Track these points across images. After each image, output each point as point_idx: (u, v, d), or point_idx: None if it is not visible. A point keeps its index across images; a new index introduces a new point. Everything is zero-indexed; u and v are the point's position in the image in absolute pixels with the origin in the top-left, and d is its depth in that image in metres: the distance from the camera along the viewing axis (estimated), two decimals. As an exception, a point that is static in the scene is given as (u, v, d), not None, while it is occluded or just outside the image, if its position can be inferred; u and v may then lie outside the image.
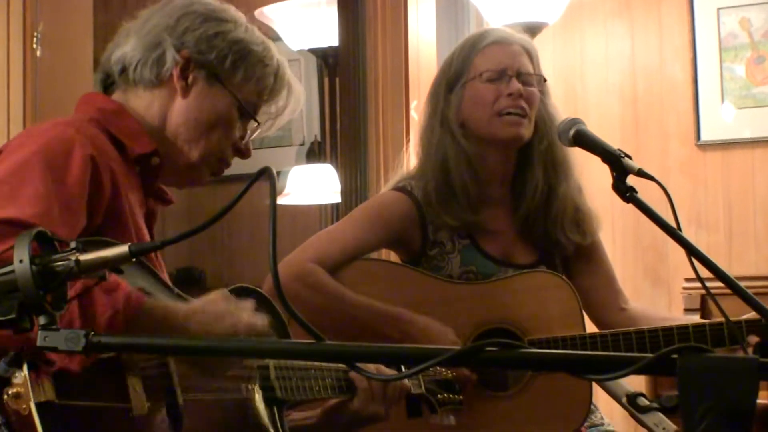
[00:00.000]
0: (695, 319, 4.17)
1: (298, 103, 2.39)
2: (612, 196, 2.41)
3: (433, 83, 3.06)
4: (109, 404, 1.83)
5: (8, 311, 1.39)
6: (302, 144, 6.10)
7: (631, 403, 2.21)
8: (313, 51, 5.51)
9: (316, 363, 2.27)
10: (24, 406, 1.71)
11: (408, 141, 3.55)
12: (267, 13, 5.35)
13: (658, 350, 1.26)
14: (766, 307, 2.13)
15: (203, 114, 2.23)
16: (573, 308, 2.85)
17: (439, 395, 2.58)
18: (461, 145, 2.92)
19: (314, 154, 5.76)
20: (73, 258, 1.42)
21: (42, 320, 1.40)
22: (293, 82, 2.36)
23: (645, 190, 2.40)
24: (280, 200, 5.44)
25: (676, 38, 5.25)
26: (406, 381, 2.44)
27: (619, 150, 2.56)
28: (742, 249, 5.11)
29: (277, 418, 2.21)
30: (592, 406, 2.88)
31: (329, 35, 5.20)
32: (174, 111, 2.23)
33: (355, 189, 4.66)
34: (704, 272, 2.18)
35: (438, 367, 2.52)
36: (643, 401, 2.21)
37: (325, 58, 5.41)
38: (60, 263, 1.42)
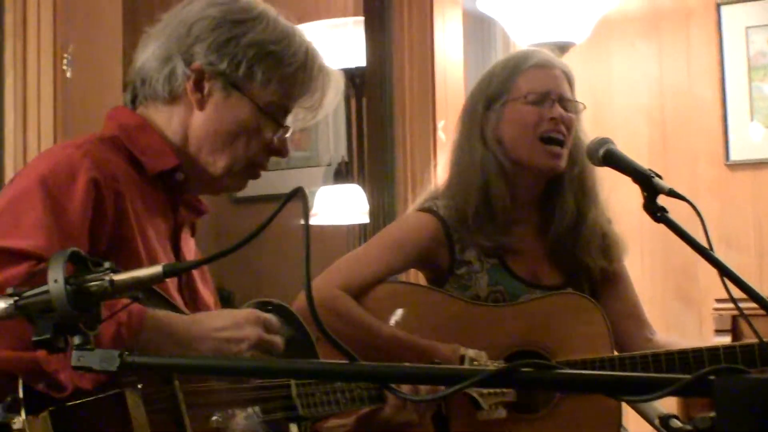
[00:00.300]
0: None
1: (338, 88, 2.31)
2: (640, 216, 2.41)
3: (468, 100, 3.05)
4: None
5: (43, 331, 1.39)
6: (329, 164, 6.10)
7: (664, 425, 2.20)
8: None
9: None
10: None
11: (435, 160, 3.54)
12: (295, 34, 5.35)
13: (688, 372, 1.25)
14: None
15: (224, 125, 2.18)
16: (602, 331, 2.83)
17: (486, 390, 2.56)
18: (502, 164, 2.91)
19: (341, 174, 5.75)
20: (107, 278, 1.43)
21: (76, 340, 1.40)
22: (326, 70, 2.28)
23: (673, 211, 2.40)
24: (307, 220, 5.43)
25: (704, 58, 5.23)
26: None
27: (650, 170, 2.55)
28: (773, 269, 5.08)
29: None
30: (622, 429, 2.86)
31: (356, 55, 5.20)
32: (193, 125, 2.19)
33: (382, 209, 4.65)
34: (736, 293, 2.17)
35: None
36: (676, 423, 2.20)
37: (352, 79, 5.41)
38: (94, 283, 1.43)
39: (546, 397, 2.79)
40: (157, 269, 1.44)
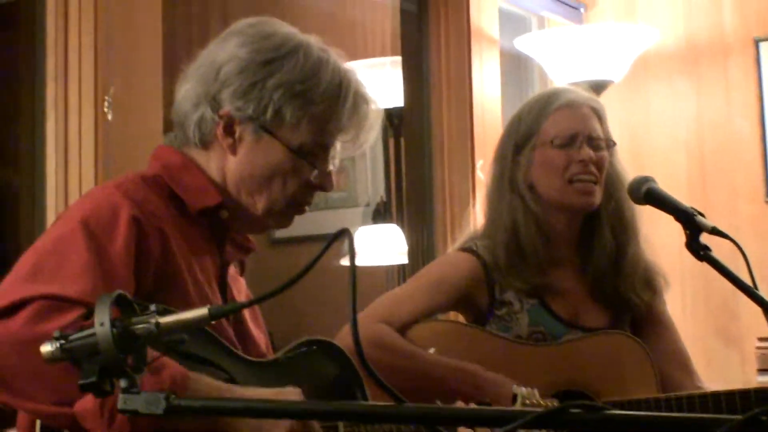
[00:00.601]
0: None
1: (376, 119, 2.26)
2: (681, 255, 2.39)
3: (500, 143, 3.03)
4: None
5: (90, 374, 1.39)
6: (367, 205, 6.10)
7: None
8: (378, 112, 5.52)
9: None
10: None
11: (474, 200, 3.54)
12: (332, 75, 5.37)
13: (735, 413, 1.23)
14: None
15: (257, 169, 2.16)
16: (647, 371, 2.80)
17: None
18: (530, 209, 2.90)
19: (380, 214, 5.75)
20: (152, 321, 1.43)
21: (123, 383, 1.40)
22: (363, 100, 2.22)
23: (713, 248, 2.38)
24: (346, 261, 5.43)
25: (742, 93, 5.21)
26: None
27: (692, 207, 2.54)
28: (815, 307, 5.02)
29: None
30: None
31: (394, 95, 5.21)
32: (229, 169, 2.17)
33: (421, 249, 4.65)
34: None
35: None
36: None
37: (390, 119, 5.42)
38: (140, 326, 1.43)
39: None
40: (203, 312, 1.44)
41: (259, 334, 2.28)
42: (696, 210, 2.58)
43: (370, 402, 2.13)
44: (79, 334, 1.42)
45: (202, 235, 2.16)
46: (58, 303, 1.81)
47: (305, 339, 2.21)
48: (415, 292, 2.91)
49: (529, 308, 2.90)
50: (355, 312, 1.34)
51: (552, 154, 2.90)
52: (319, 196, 2.29)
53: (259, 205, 2.18)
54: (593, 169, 2.88)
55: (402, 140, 5.16)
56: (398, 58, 4.95)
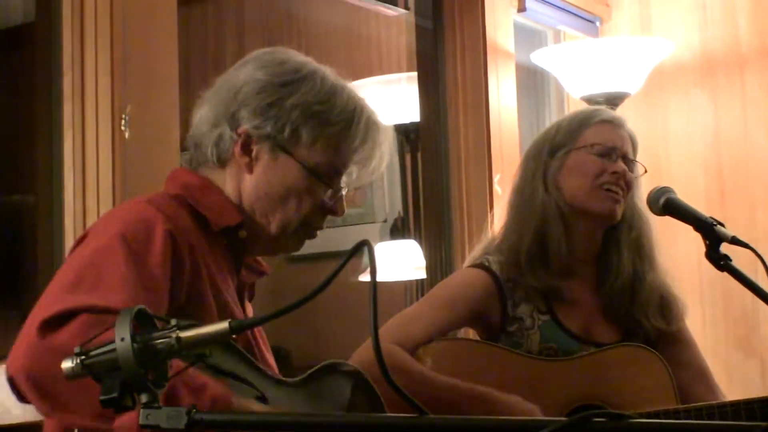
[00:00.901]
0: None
1: (389, 145, 2.30)
2: (700, 267, 2.39)
3: (533, 146, 3.05)
4: None
5: (110, 390, 1.39)
6: (385, 221, 6.10)
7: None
8: (394, 127, 5.53)
9: None
10: None
11: (491, 215, 3.54)
12: (348, 91, 5.38)
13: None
14: None
15: (273, 187, 2.19)
16: (665, 382, 2.80)
17: None
18: (561, 209, 2.91)
19: (397, 230, 5.75)
20: (173, 335, 1.42)
21: (144, 398, 1.40)
22: (375, 127, 2.26)
23: (732, 260, 2.38)
24: (364, 277, 5.43)
25: (759, 105, 5.19)
26: None
27: (711, 217, 2.53)
28: (836, 319, 5.00)
29: None
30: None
31: (410, 111, 5.22)
32: (245, 187, 2.20)
33: (439, 264, 4.64)
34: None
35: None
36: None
37: (406, 134, 5.42)
38: (161, 341, 1.42)
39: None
40: (223, 326, 1.44)
41: (267, 354, 2.30)
42: (716, 220, 2.57)
43: (391, 414, 2.12)
44: (100, 350, 1.42)
45: (223, 255, 2.19)
46: (103, 316, 1.81)
47: (330, 362, 2.21)
48: (429, 311, 2.90)
49: (541, 324, 2.90)
50: (375, 319, 1.33)
51: (588, 159, 2.92)
52: (336, 214, 2.30)
53: (273, 224, 2.21)
54: (623, 183, 2.91)
55: (419, 155, 5.16)
56: (414, 74, 4.95)
